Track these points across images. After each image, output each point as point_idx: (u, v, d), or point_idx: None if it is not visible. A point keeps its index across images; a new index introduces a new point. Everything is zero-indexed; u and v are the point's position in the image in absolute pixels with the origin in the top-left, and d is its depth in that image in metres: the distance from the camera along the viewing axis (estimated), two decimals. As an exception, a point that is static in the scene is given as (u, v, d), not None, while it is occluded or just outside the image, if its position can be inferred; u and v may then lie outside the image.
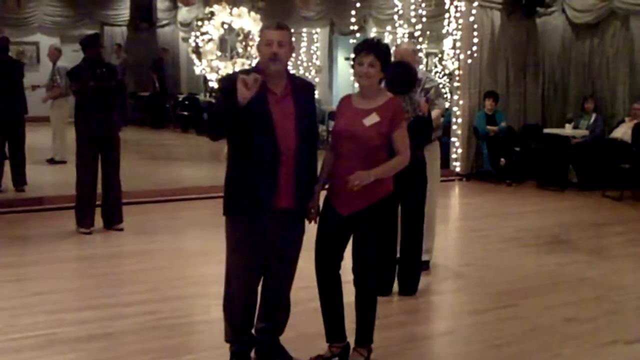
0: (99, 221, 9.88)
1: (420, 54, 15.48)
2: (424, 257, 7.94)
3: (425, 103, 7.62)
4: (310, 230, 5.48)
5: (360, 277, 5.51)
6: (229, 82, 5.10)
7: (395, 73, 6.94)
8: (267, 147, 5.04)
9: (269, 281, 5.47)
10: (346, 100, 5.62)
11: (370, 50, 5.40)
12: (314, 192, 5.37)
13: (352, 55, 5.52)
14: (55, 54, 15.09)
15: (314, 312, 5.91)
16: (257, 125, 5.03)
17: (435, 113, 7.91)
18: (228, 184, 5.27)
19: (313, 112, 5.44)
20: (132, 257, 8.92)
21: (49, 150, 15.28)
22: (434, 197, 8.10)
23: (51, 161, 14.97)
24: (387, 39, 16.06)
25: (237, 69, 17.03)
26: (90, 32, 14.84)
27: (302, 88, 5.33)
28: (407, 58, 7.83)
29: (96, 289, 7.51)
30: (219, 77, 16.64)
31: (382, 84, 5.87)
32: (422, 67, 8.40)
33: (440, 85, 8.19)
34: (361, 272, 5.50)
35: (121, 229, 9.88)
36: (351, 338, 5.65)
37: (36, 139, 14.88)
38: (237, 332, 5.51)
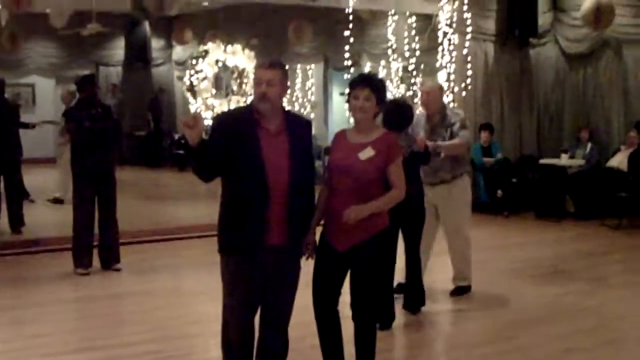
0: (96, 262, 9.85)
1: (415, 88, 15.56)
2: (461, 283, 8.58)
3: (422, 138, 7.69)
4: (307, 266, 5.46)
5: (359, 312, 5.49)
6: (220, 119, 5.16)
7: (388, 111, 7.09)
8: (256, 185, 5.03)
9: (266, 318, 5.44)
10: (341, 135, 5.63)
11: (366, 84, 5.42)
12: (310, 227, 5.36)
13: (347, 90, 5.55)
14: (68, 98, 15.10)
15: (311, 348, 5.89)
16: (246, 162, 5.03)
17: (454, 141, 8.06)
18: (220, 222, 5.27)
19: (309, 149, 5.44)
20: (130, 297, 8.90)
21: (46, 192, 15.26)
22: (463, 228, 8.50)
23: (57, 201, 14.89)
24: (382, 73, 16.13)
25: (232, 106, 17.12)
26: (86, 72, 14.88)
27: (298, 124, 5.32)
28: (432, 95, 8.19)
29: (94, 330, 7.47)
30: (214, 115, 16.71)
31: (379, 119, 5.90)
32: (451, 104, 8.49)
33: (466, 120, 8.28)
34: (360, 307, 5.48)
35: (119, 269, 9.85)
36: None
37: (33, 180, 14.87)
38: None
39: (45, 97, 24.02)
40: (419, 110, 8.93)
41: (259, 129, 5.08)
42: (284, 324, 5.51)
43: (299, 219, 5.23)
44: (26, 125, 13.53)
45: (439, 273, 8.96)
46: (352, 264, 5.42)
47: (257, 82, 5.13)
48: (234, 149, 4.96)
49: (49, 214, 14.05)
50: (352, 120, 5.59)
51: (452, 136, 8.08)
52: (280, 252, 5.19)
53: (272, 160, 5.06)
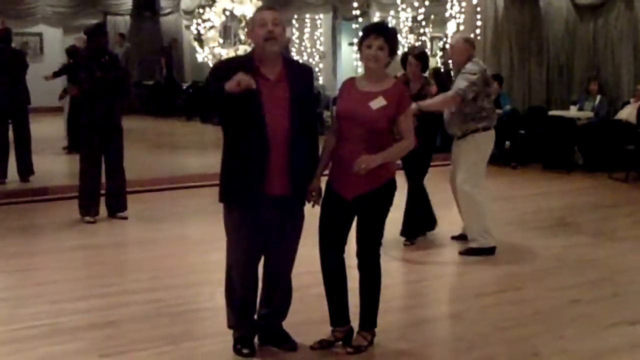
0: (103, 210, 9.88)
1: (424, 38, 15.47)
2: (471, 244, 8.27)
3: (435, 87, 7.68)
4: (312, 215, 5.46)
5: (365, 261, 5.50)
6: (220, 66, 5.12)
7: (402, 59, 7.35)
8: (255, 134, 5.01)
9: (269, 267, 5.46)
10: (349, 83, 5.59)
11: (380, 33, 5.38)
12: (315, 175, 5.35)
13: (357, 40, 5.51)
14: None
15: (317, 297, 5.90)
16: (246, 112, 5.01)
17: (435, 98, 8.00)
18: (222, 171, 5.27)
19: (311, 97, 5.40)
20: (136, 245, 8.93)
21: (56, 141, 15.29)
22: (463, 184, 8.20)
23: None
24: (391, 23, 16.02)
25: (240, 54, 17.03)
26: (93, 22, 14.83)
27: (298, 73, 5.28)
28: (456, 48, 8.15)
29: (100, 278, 7.51)
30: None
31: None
32: (476, 58, 8.31)
33: (475, 76, 8.01)
34: (366, 256, 5.49)
35: (125, 218, 9.88)
36: (355, 322, 5.65)
37: (42, 129, 14.88)
38: (239, 317, 5.50)
39: (53, 46, 23.98)
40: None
41: (259, 77, 5.03)
42: (286, 273, 5.53)
43: (301, 168, 5.21)
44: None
45: (449, 224, 8.95)
46: (359, 213, 5.42)
47: (262, 24, 5.06)
48: (233, 99, 4.92)
49: (57, 163, 14.07)
50: (360, 69, 5.56)
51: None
52: (282, 201, 5.19)
53: (272, 109, 5.03)
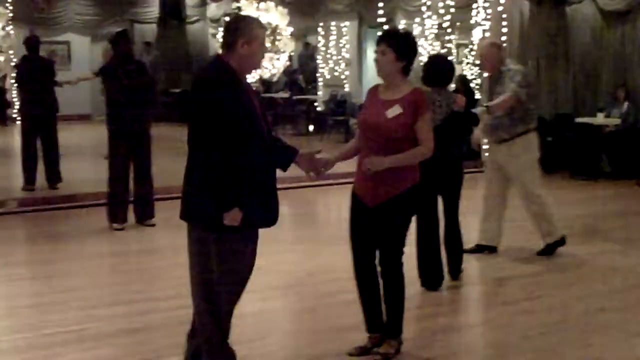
0: (131, 217, 9.95)
1: (450, 45, 15.46)
2: (548, 240, 8.43)
3: (462, 97, 7.58)
4: (338, 223, 5.47)
5: (386, 269, 5.53)
6: (223, 84, 4.71)
7: (425, 68, 7.27)
8: (263, 154, 4.83)
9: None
10: (373, 90, 5.66)
11: (381, 39, 5.47)
12: (329, 160, 5.28)
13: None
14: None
15: (345, 304, 5.94)
16: (253, 132, 4.76)
17: (500, 98, 7.92)
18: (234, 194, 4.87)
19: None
20: (163, 252, 8.97)
21: (84, 148, 15.38)
22: (531, 188, 8.31)
23: None
24: (416, 30, 16.02)
25: (266, 63, 17.10)
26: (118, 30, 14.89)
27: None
28: (487, 55, 8.09)
29: (128, 285, 7.56)
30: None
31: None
32: (509, 61, 8.29)
33: (521, 75, 7.97)
34: (386, 264, 5.51)
35: (153, 225, 9.94)
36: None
37: (67, 137, 14.98)
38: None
39: (81, 54, 24.13)
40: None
41: (251, 93, 4.91)
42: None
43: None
44: (59, 84, 13.63)
45: (475, 231, 8.92)
46: (380, 220, 5.44)
47: (264, 43, 4.88)
48: (240, 114, 4.65)
49: (85, 170, 14.16)
50: (386, 76, 5.59)
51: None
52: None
53: (263, 125, 4.86)
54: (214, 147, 4.56)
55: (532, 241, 8.63)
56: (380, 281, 5.57)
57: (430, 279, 7.25)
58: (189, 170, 4.84)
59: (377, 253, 5.54)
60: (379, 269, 5.55)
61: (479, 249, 8.48)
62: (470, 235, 8.84)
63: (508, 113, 8.00)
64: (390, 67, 5.41)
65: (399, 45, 5.40)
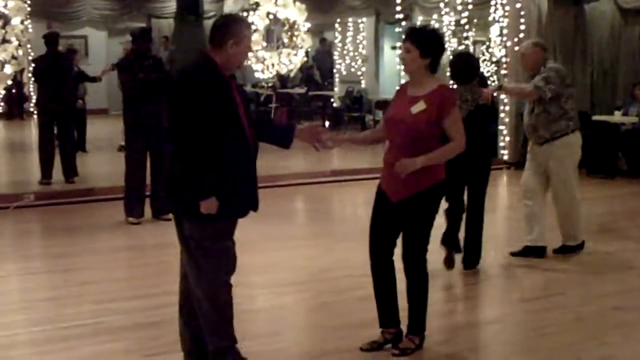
0: (147, 212, 9.97)
1: (467, 42, 15.43)
2: (569, 242, 8.42)
3: (488, 91, 7.75)
4: (357, 218, 5.47)
5: (410, 266, 5.53)
6: (203, 80, 4.92)
7: (452, 64, 7.55)
8: (242, 145, 5.03)
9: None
10: (402, 87, 5.70)
11: (407, 36, 5.48)
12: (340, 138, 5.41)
13: (399, 44, 5.58)
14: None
15: (361, 300, 5.94)
16: (231, 123, 4.97)
17: (520, 84, 7.96)
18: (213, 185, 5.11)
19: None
20: (179, 246, 8.97)
21: (100, 142, 15.42)
22: (568, 188, 8.29)
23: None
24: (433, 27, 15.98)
25: (283, 59, 17.09)
26: (138, 24, 14.94)
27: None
28: (527, 56, 8.13)
29: (143, 279, 7.59)
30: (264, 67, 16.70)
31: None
32: (550, 61, 8.28)
33: (554, 72, 7.99)
34: (410, 260, 5.51)
35: (169, 219, 9.88)
36: (404, 325, 5.68)
37: (91, 131, 15.05)
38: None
39: (98, 49, 24.22)
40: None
41: (231, 87, 5.04)
42: None
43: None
44: (93, 79, 13.72)
45: (493, 228, 8.90)
46: (404, 216, 5.44)
47: (250, 44, 5.16)
48: (219, 111, 4.88)
49: (101, 164, 14.22)
50: (402, 74, 5.62)
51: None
52: None
53: (243, 118, 5.04)
54: (191, 137, 4.79)
55: (550, 239, 8.60)
56: (398, 276, 5.58)
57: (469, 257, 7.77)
58: (170, 160, 5.10)
59: (397, 249, 5.55)
60: (397, 265, 5.55)
61: (525, 252, 8.32)
62: (487, 232, 8.84)
63: (544, 110, 7.97)
64: (415, 65, 5.41)
65: (424, 43, 5.39)
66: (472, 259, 7.79)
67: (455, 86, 7.80)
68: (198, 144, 4.78)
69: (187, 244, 5.13)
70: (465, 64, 7.65)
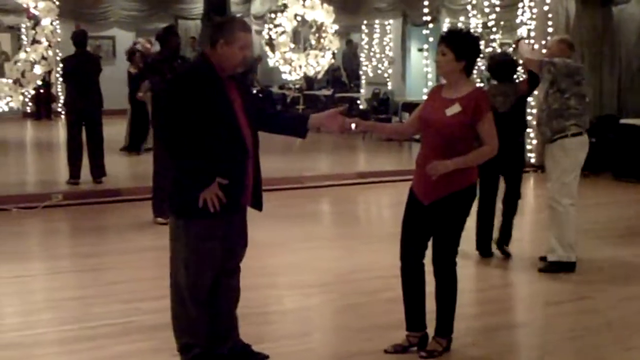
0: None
1: (494, 45, 15.39)
2: (550, 257, 7.87)
3: (525, 82, 8.36)
4: (383, 220, 5.49)
5: (440, 268, 5.54)
6: (184, 79, 5.08)
7: (489, 65, 8.29)
8: (235, 144, 5.05)
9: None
10: (436, 89, 5.71)
11: (442, 39, 5.48)
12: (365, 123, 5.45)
13: (426, 46, 5.61)
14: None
15: (387, 302, 5.96)
16: (224, 122, 5.00)
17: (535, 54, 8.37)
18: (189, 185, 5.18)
19: (256, 98, 5.40)
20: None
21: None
22: (556, 195, 7.85)
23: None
24: (461, 29, 15.95)
25: (311, 61, 17.13)
26: (165, 25, 14.95)
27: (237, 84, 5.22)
28: (552, 51, 8.14)
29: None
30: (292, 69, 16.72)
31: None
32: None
33: (562, 63, 7.85)
34: (441, 263, 5.53)
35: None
36: (431, 329, 5.69)
37: (114, 132, 15.11)
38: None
39: (126, 49, 24.30)
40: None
41: (227, 86, 5.05)
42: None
43: (260, 178, 5.27)
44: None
45: (519, 232, 8.86)
46: (435, 219, 5.45)
47: (244, 46, 5.01)
48: (208, 110, 4.92)
49: (129, 165, 14.30)
50: (429, 76, 5.63)
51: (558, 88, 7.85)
52: (244, 211, 5.36)
53: (241, 119, 5.05)
54: (176, 136, 4.89)
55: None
56: (427, 279, 5.59)
57: (483, 247, 8.30)
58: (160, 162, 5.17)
59: (428, 252, 5.56)
60: (427, 268, 5.56)
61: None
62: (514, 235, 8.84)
63: (549, 106, 7.85)
64: (449, 67, 5.42)
65: (459, 46, 5.39)
66: (506, 239, 8.38)
67: (495, 82, 8.38)
68: (183, 143, 4.88)
69: (175, 240, 5.19)
70: (505, 62, 8.31)
